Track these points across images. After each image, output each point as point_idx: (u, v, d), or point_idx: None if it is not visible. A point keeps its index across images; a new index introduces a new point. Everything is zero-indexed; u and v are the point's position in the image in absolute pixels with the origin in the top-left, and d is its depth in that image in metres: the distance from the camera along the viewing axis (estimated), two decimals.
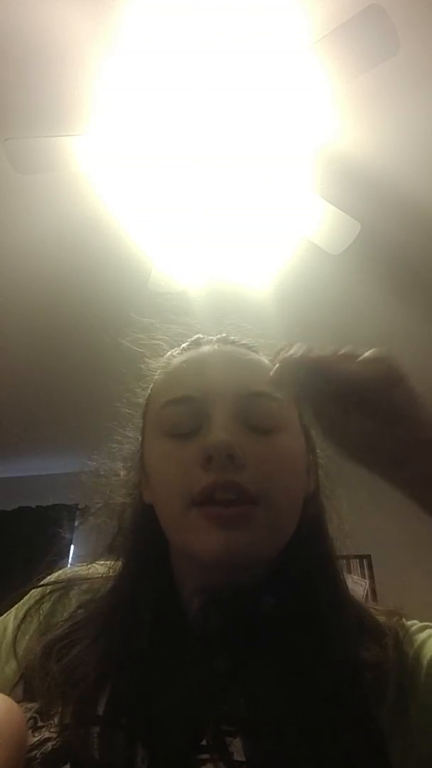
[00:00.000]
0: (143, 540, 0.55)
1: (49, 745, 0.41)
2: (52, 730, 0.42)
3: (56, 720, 0.43)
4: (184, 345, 0.60)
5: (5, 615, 0.59)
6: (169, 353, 0.60)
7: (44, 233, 1.99)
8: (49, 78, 1.48)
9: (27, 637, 0.54)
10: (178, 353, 0.59)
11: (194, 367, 0.54)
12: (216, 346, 0.57)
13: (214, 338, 0.59)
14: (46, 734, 0.42)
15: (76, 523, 3.84)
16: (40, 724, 0.43)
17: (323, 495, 0.56)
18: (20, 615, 0.56)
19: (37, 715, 0.44)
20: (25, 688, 0.48)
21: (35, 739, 0.42)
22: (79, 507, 3.90)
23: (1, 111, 1.56)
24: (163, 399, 0.53)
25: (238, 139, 1.38)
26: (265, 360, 0.56)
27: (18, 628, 0.55)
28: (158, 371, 0.59)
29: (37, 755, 0.40)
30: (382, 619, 0.52)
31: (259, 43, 1.34)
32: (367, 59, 1.19)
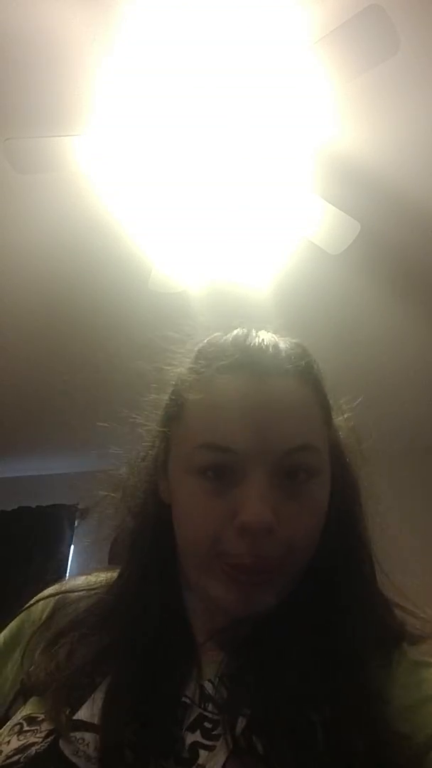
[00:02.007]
0: (154, 538, 0.55)
1: (33, 749, 0.41)
2: (37, 735, 0.43)
3: (42, 726, 0.43)
4: (229, 353, 0.53)
5: (8, 629, 0.59)
6: (210, 359, 0.54)
7: (44, 233, 1.99)
8: (49, 78, 1.48)
9: (31, 651, 0.54)
10: (222, 368, 0.52)
11: (240, 411, 0.49)
12: (263, 381, 0.50)
13: (266, 353, 0.53)
14: (32, 739, 0.42)
15: (76, 523, 3.85)
16: (26, 728, 0.44)
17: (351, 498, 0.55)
18: (27, 629, 0.57)
19: (23, 721, 0.45)
20: (25, 699, 0.49)
21: (19, 743, 0.42)
22: (79, 507, 3.91)
23: (1, 111, 1.57)
24: (199, 437, 0.50)
25: (238, 139, 1.38)
26: (313, 392, 0.53)
27: (26, 638, 0.56)
28: (195, 381, 0.54)
29: (21, 759, 0.41)
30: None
31: (258, 43, 1.34)
32: (367, 59, 1.19)
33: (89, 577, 0.61)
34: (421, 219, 1.89)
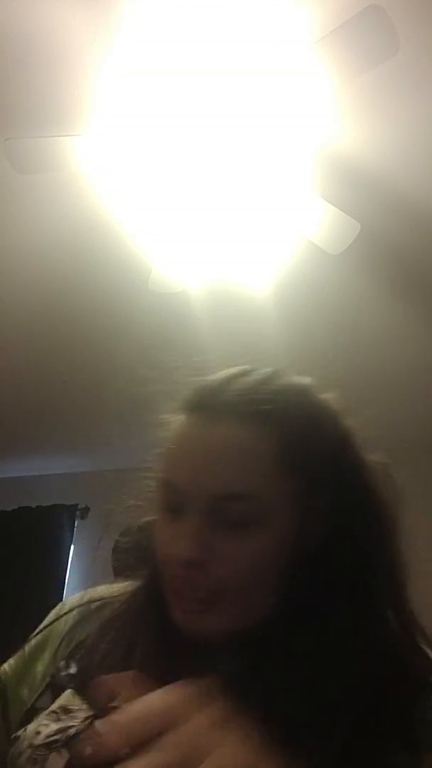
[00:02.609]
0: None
1: (72, 730, 0.46)
2: (75, 720, 0.47)
3: (79, 713, 0.48)
4: (187, 400, 0.57)
5: (39, 636, 0.64)
6: (177, 406, 0.58)
7: (44, 233, 1.99)
8: (49, 78, 1.48)
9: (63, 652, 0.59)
10: (181, 413, 0.56)
11: (181, 452, 0.54)
12: (206, 425, 0.54)
13: (221, 395, 0.55)
14: (70, 723, 0.47)
15: (76, 523, 3.86)
16: (62, 716, 0.48)
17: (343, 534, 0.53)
18: (65, 626, 0.62)
19: (59, 710, 0.49)
20: (53, 695, 0.53)
21: (58, 726, 0.47)
22: (79, 507, 3.91)
23: (1, 111, 1.57)
24: (161, 471, 0.55)
25: (238, 139, 1.38)
26: (270, 439, 0.52)
27: (60, 635, 0.61)
28: (171, 418, 0.58)
29: (61, 738, 0.45)
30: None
31: (258, 43, 1.34)
32: (367, 59, 1.19)
33: (110, 586, 0.65)
34: (421, 219, 1.89)
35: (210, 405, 0.54)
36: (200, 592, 0.50)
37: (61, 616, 0.63)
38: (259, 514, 0.51)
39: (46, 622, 0.64)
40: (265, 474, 0.52)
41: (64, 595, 3.53)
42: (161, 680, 0.49)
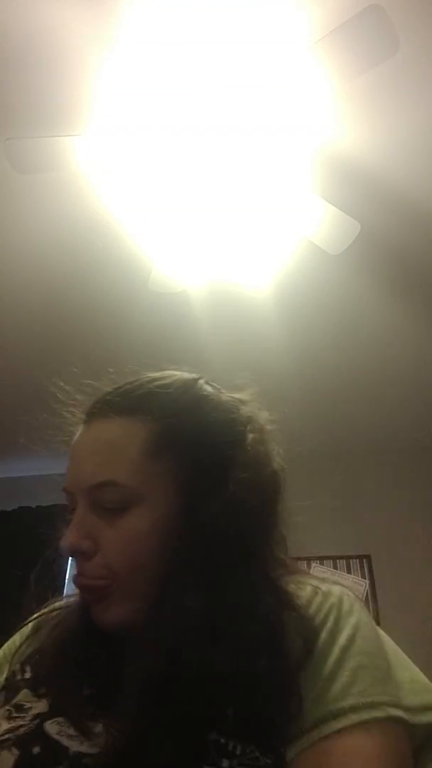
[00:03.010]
0: None
1: (22, 730, 0.48)
2: (25, 719, 0.49)
3: (30, 712, 0.50)
4: (83, 413, 0.62)
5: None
6: (79, 420, 0.63)
7: (44, 233, 1.99)
8: (49, 78, 1.48)
9: (18, 659, 0.61)
10: (84, 415, 0.62)
11: (70, 459, 0.60)
12: (86, 428, 0.59)
13: (100, 399, 0.61)
14: (20, 722, 0.49)
15: None
16: (14, 715, 0.50)
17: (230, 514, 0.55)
18: (17, 642, 0.64)
19: (12, 708, 0.52)
20: (6, 696, 0.55)
21: (10, 725, 0.49)
22: None
23: (1, 111, 1.57)
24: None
25: (238, 139, 1.38)
26: (136, 429, 0.56)
27: (13, 651, 0.63)
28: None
29: (11, 737, 0.47)
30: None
31: (259, 43, 1.34)
32: (367, 59, 1.19)
33: (72, 597, 0.66)
34: (421, 219, 1.89)
35: (93, 412, 0.60)
36: (93, 583, 0.53)
37: (24, 625, 0.66)
38: (133, 497, 0.54)
39: (11, 639, 0.66)
40: (132, 460, 0.55)
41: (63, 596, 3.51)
42: (89, 684, 0.51)
